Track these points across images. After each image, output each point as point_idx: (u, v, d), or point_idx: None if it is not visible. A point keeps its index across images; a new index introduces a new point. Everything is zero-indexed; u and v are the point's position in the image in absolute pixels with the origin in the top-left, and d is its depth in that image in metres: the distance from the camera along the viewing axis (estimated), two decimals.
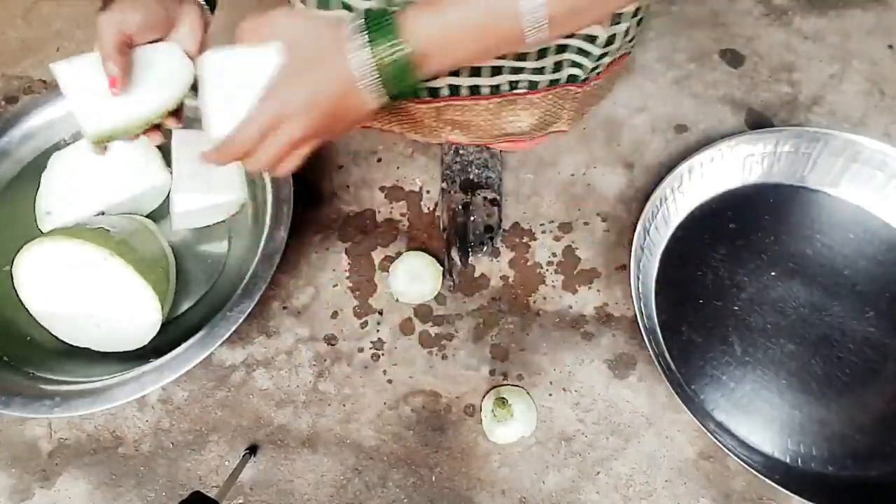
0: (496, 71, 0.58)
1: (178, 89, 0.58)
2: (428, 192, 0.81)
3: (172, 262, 0.72)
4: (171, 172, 0.74)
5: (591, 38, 0.57)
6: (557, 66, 0.60)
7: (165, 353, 0.64)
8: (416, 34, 0.44)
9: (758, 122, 0.83)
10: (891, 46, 0.88)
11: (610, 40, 0.59)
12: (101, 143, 0.57)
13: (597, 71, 0.64)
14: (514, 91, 0.64)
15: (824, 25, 0.90)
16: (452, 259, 0.73)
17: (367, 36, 0.44)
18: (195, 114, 0.58)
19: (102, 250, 0.62)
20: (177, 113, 0.60)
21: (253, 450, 0.69)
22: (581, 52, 0.59)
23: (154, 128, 0.59)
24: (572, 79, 0.64)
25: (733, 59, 0.88)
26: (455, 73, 0.58)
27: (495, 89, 0.64)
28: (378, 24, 0.44)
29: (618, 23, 0.57)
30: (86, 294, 0.64)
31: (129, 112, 0.56)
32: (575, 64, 0.60)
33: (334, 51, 0.45)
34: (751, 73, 0.87)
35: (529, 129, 0.69)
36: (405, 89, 0.47)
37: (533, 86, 0.64)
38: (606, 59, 0.63)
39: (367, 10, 0.46)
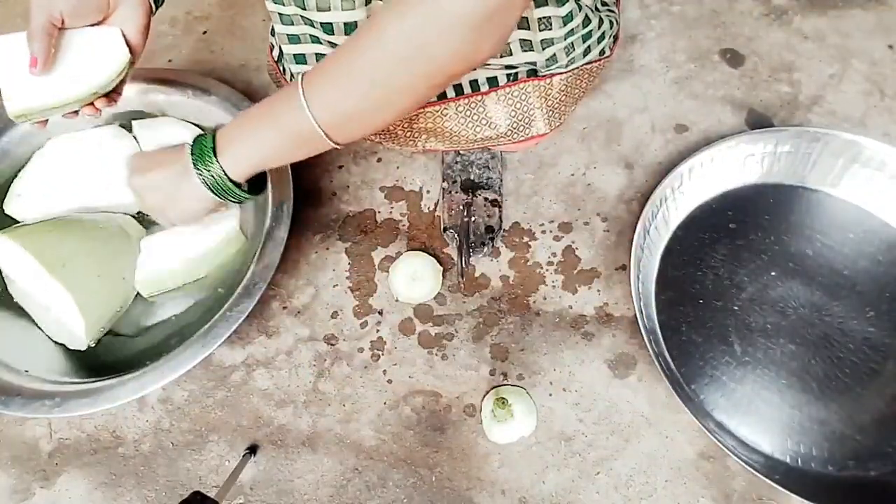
0: None
1: (107, 73, 0.58)
2: (428, 192, 0.81)
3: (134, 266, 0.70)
4: None
5: (527, 28, 0.61)
6: (506, 54, 0.63)
7: (165, 354, 0.64)
8: (228, 155, 0.55)
9: (758, 122, 0.83)
10: (891, 46, 0.88)
11: (548, 42, 0.63)
12: (24, 120, 0.58)
13: (557, 67, 0.65)
14: (478, 91, 0.66)
15: (824, 25, 0.90)
16: (462, 258, 0.73)
17: (192, 156, 0.56)
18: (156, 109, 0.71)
19: (21, 248, 0.62)
20: (108, 95, 0.61)
21: (253, 450, 0.69)
22: (525, 42, 0.62)
23: (89, 104, 0.60)
24: (532, 73, 0.65)
25: (733, 59, 0.88)
26: None
27: (459, 89, 0.66)
28: (200, 148, 0.56)
29: (550, 44, 0.63)
30: (41, 285, 0.64)
31: (55, 92, 0.56)
32: (528, 53, 0.63)
33: (175, 156, 0.58)
34: (751, 73, 0.87)
35: (507, 132, 0.70)
36: (229, 192, 0.57)
37: (493, 82, 0.65)
38: (564, 60, 0.65)
39: (197, 135, 0.57)
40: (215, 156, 0.55)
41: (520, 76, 0.66)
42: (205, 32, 0.96)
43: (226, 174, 0.56)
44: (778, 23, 0.90)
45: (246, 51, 0.93)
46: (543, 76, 0.66)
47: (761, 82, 0.86)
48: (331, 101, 0.49)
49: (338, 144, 0.52)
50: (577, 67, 0.68)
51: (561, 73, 0.67)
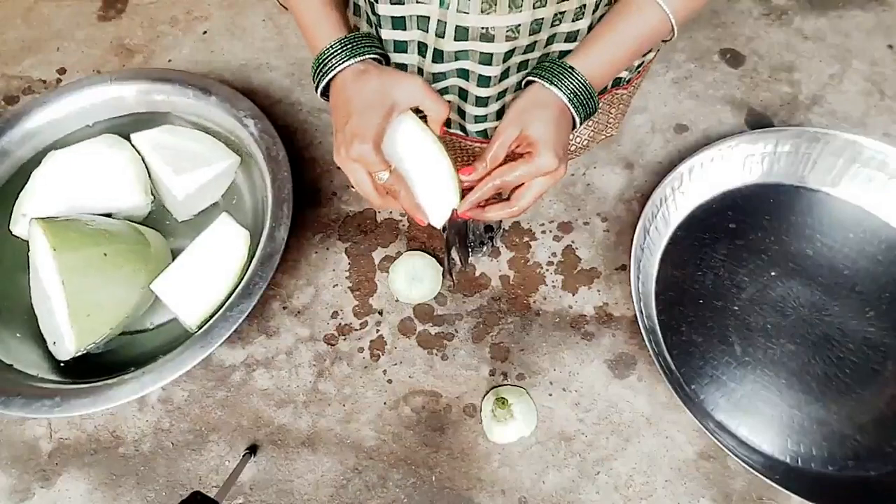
0: None
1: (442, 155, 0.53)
2: None
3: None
4: (151, 175, 0.75)
5: None
6: None
7: (165, 354, 0.64)
8: (588, 71, 0.53)
9: (758, 122, 0.83)
10: (891, 46, 0.88)
11: None
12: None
13: (638, 70, 0.65)
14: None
15: (824, 25, 0.90)
16: (452, 259, 0.73)
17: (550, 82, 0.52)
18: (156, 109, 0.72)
19: (49, 247, 0.61)
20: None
21: (253, 450, 0.69)
22: None
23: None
24: (617, 82, 0.65)
25: (733, 59, 0.88)
26: None
27: None
28: (552, 70, 0.53)
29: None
30: (49, 287, 0.63)
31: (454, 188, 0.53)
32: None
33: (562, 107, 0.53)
34: (751, 73, 0.87)
35: (587, 143, 0.69)
36: (591, 101, 0.54)
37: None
38: (650, 56, 0.63)
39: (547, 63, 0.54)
40: (571, 68, 0.52)
41: (607, 87, 0.64)
42: (205, 32, 0.96)
43: (587, 82, 0.52)
44: (778, 23, 0.90)
45: (246, 51, 0.94)
46: (627, 84, 0.65)
47: (761, 82, 0.86)
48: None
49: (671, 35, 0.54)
50: (645, 65, 0.66)
51: (638, 77, 0.66)
